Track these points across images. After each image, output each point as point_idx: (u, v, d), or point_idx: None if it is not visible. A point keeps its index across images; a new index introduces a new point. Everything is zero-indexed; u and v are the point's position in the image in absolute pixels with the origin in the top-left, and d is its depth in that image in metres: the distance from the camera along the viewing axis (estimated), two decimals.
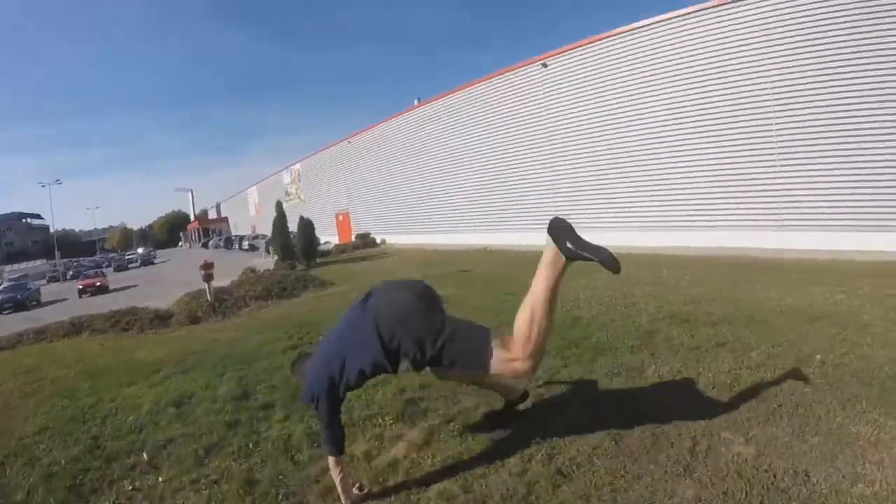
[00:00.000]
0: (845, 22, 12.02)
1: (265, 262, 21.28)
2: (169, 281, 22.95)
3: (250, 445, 3.82)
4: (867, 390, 3.83)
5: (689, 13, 14.62)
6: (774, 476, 2.80)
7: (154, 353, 7.53)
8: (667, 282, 8.71)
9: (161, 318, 10.68)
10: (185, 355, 6.99)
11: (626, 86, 16.24)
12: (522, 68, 19.88)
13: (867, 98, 11.79)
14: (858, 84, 11.90)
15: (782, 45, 12.84)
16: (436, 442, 3.52)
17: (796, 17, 12.68)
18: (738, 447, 3.15)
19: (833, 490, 2.63)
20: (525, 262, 13.55)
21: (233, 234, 59.89)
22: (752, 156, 13.57)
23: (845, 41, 12.02)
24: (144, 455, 3.87)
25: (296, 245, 20.90)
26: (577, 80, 17.77)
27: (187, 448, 3.90)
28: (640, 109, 15.93)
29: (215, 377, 5.63)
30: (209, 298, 11.26)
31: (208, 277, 11.46)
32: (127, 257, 62.73)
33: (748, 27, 13.46)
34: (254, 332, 8.24)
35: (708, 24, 14.24)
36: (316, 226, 22.54)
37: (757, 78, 13.35)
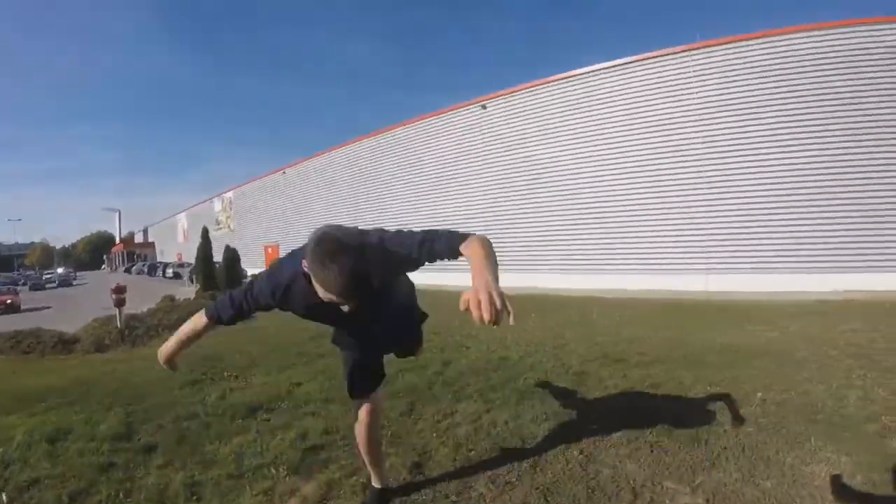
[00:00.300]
0: (763, 81, 13.07)
1: (187, 290, 19.84)
2: (84, 305, 20.84)
3: (121, 494, 3.08)
4: (813, 427, 3.58)
5: (621, 64, 15.41)
6: None
7: (45, 379, 6.45)
8: (597, 323, 8.49)
9: (65, 343, 9.59)
10: (76, 384, 6.02)
11: (561, 131, 16.63)
12: (462, 109, 20.04)
13: (786, 152, 12.68)
14: (778, 138, 12.80)
15: (714, 99, 13.69)
16: (334, 499, 2.91)
17: (720, 76, 13.60)
18: (684, 498, 2.74)
19: None
20: (450, 299, 13.42)
21: (158, 260, 57.16)
22: (681, 203, 14.08)
23: (768, 98, 12.98)
24: (4, 496, 3.09)
25: (219, 275, 19.68)
26: (514, 123, 18.05)
27: (52, 492, 3.11)
28: (574, 155, 16.28)
29: (101, 411, 4.76)
30: (119, 325, 10.27)
31: (120, 302, 10.43)
32: (45, 276, 57.91)
33: (677, 81, 14.26)
34: (156, 363, 7.18)
35: (640, 77, 15.02)
36: (244, 258, 21.27)
37: (688, 129, 14.07)
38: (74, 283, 53.15)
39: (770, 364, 5.24)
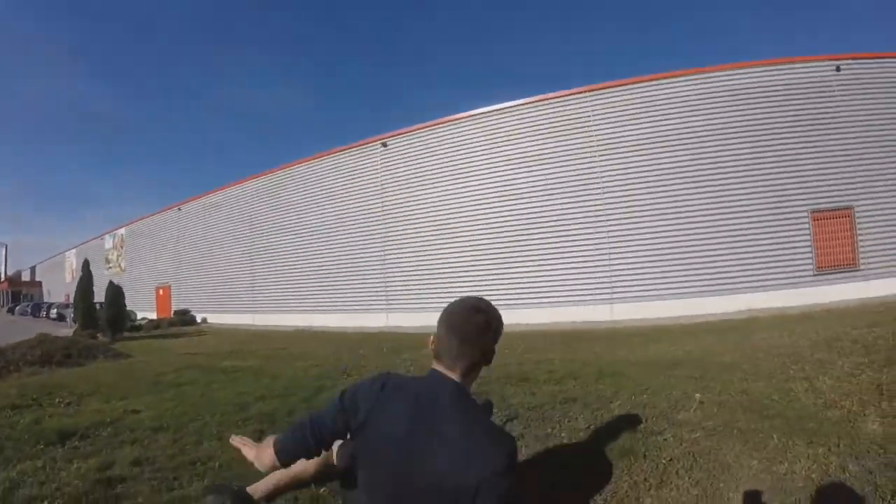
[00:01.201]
0: (660, 119, 13.84)
1: (69, 332, 17.28)
2: None
3: None
4: (771, 424, 2.94)
5: (523, 104, 15.70)
6: None
7: None
8: (499, 352, 7.69)
9: None
10: None
11: (460, 169, 16.47)
12: (364, 146, 19.43)
13: (686, 184, 13.38)
14: (678, 171, 13.56)
15: (613, 135, 14.29)
16: None
17: (619, 114, 14.29)
18: None
19: None
20: (342, 340, 12.71)
21: (45, 300, 51.57)
22: (584, 235, 14.18)
23: (666, 134, 13.74)
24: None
25: (101, 313, 17.41)
26: (414, 160, 17.68)
27: None
28: (475, 192, 16.10)
29: None
30: None
31: None
32: None
33: (579, 120, 14.73)
34: None
35: (541, 116, 15.32)
36: (135, 299, 19.06)
37: (589, 165, 14.38)
38: None
39: (694, 371, 4.69)
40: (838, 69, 13.53)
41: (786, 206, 13.05)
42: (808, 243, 12.95)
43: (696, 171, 13.49)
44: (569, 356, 6.61)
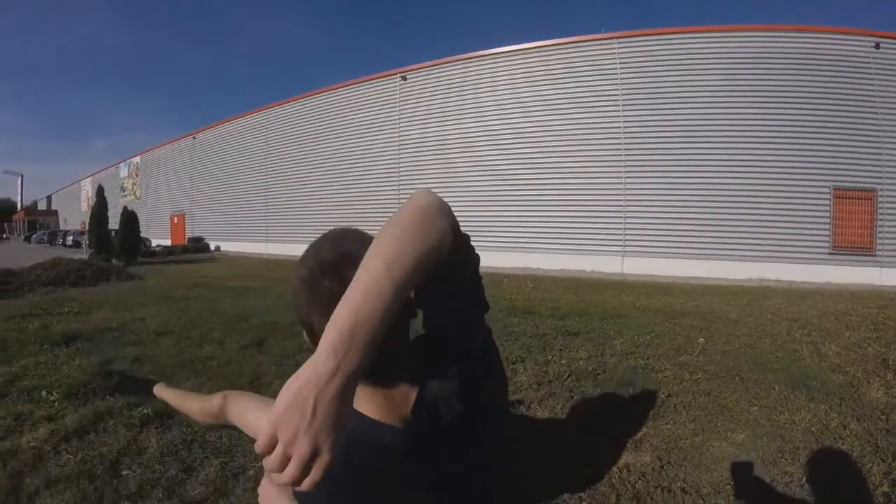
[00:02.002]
0: (690, 73, 13.17)
1: (84, 258, 17.58)
2: None
3: None
4: (774, 376, 2.85)
5: (549, 46, 14.98)
6: (703, 499, 1.50)
7: None
8: (506, 287, 7.70)
9: None
10: None
11: (483, 107, 15.97)
12: (382, 79, 18.91)
13: (709, 144, 12.84)
14: (702, 131, 12.96)
15: (641, 86, 13.62)
16: (99, 431, 2.13)
17: (648, 64, 13.61)
18: (624, 455, 1.82)
19: None
20: None
21: (61, 228, 52.37)
22: (601, 185, 13.82)
23: (696, 91, 13.10)
24: None
25: (115, 239, 17.56)
26: (434, 95, 17.19)
27: None
28: (495, 131, 15.67)
29: None
30: None
31: None
32: None
33: (606, 66, 14.04)
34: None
35: (567, 59, 14.61)
36: (149, 227, 19.18)
37: (612, 115, 13.82)
38: None
39: (700, 322, 4.58)
40: (877, 46, 12.78)
41: (809, 180, 12.60)
42: (827, 221, 12.58)
43: (721, 132, 12.97)
44: (575, 298, 6.54)
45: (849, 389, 2.78)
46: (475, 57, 16.39)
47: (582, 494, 1.58)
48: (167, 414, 2.19)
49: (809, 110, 12.68)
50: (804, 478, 1.68)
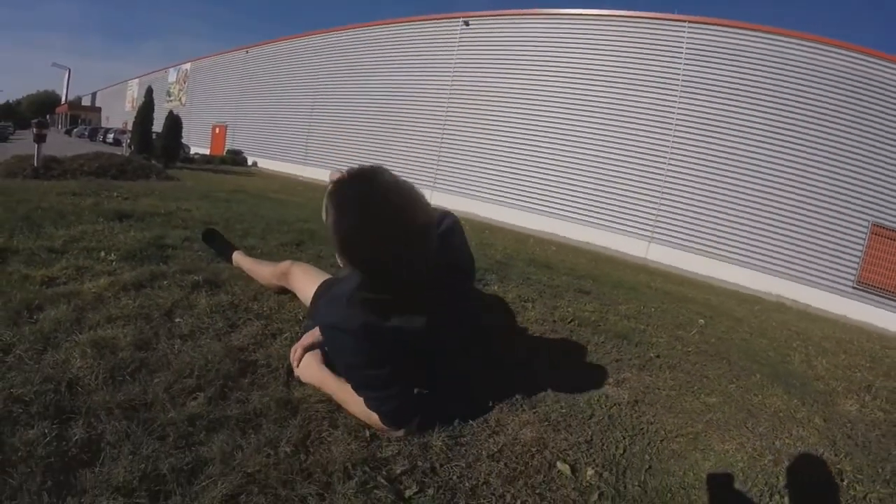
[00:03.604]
0: (753, 72, 12.76)
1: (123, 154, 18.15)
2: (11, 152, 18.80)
3: None
4: (759, 367, 3.00)
5: (615, 16, 14.63)
6: (665, 433, 1.68)
7: None
8: (531, 246, 7.84)
9: None
10: None
11: (541, 67, 15.78)
12: (443, 21, 18.66)
13: (758, 149, 12.62)
14: (754, 133, 12.71)
15: (701, 77, 13.28)
16: (154, 287, 2.27)
17: (711, 56, 13.18)
18: (604, 388, 2.02)
19: (752, 462, 1.57)
20: None
21: (103, 126, 53.18)
22: (640, 167, 13.70)
23: (758, 90, 12.71)
24: None
25: (157, 141, 18.01)
26: (494, 46, 16.95)
27: None
28: (550, 94, 15.59)
29: None
30: (35, 163, 9.33)
31: (39, 138, 9.53)
32: None
33: (668, 49, 13.66)
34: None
35: (631, 34, 14.30)
36: (190, 134, 19.62)
37: (667, 99, 13.54)
38: (11, 138, 48.72)
39: (706, 311, 4.70)
40: None
41: (849, 209, 12.32)
42: (859, 254, 12.37)
43: (770, 139, 12.67)
44: (593, 267, 6.69)
45: (825, 396, 2.91)
46: (542, 14, 16.10)
47: (562, 403, 1.78)
48: (215, 282, 2.44)
49: (869, 135, 12.30)
50: (758, 443, 1.85)
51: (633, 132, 13.94)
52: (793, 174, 12.56)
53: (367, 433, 1.42)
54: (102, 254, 2.74)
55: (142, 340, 1.74)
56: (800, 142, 12.54)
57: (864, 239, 12.34)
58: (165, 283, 2.35)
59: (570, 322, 2.86)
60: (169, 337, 1.82)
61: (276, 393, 1.49)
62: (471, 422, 1.56)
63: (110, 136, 36.95)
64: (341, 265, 1.34)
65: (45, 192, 5.06)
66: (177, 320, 1.98)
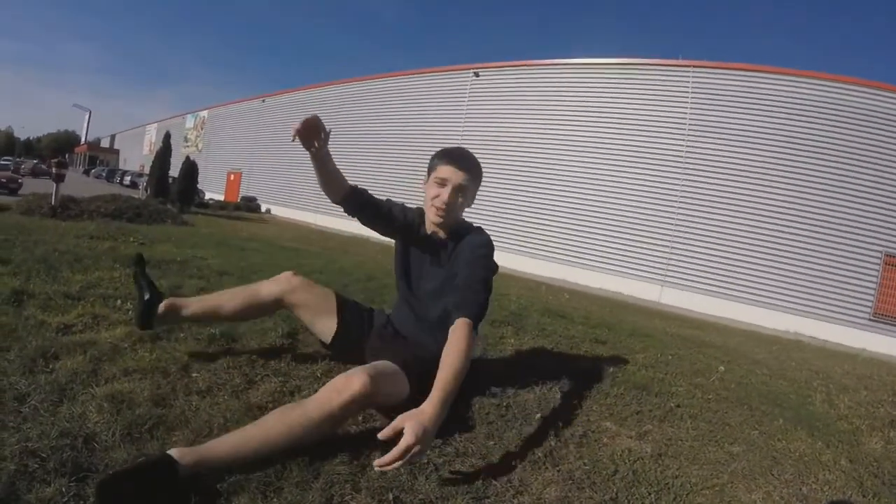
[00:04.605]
0: (763, 114, 12.93)
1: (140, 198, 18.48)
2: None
3: None
4: (781, 411, 2.95)
5: (623, 64, 14.93)
6: (691, 486, 1.67)
7: None
8: (545, 296, 7.82)
9: None
10: None
11: (550, 116, 16.13)
12: (453, 72, 19.26)
13: (770, 189, 12.58)
14: (765, 174, 12.73)
15: (708, 119, 13.50)
16: (166, 339, 2.10)
17: (719, 98, 13.44)
18: (626, 441, 2.02)
19: None
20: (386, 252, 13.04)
21: (120, 168, 54.40)
22: (652, 211, 13.74)
23: (766, 132, 12.83)
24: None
25: (173, 185, 18.37)
26: (505, 97, 17.40)
27: None
28: (560, 141, 15.85)
29: None
30: (53, 201, 9.30)
31: (58, 178, 9.65)
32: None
33: (675, 94, 13.96)
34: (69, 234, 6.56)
35: (638, 81, 14.58)
36: (206, 180, 19.90)
37: (675, 144, 13.74)
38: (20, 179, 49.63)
39: (724, 355, 4.64)
40: None
41: (859, 242, 12.22)
42: (874, 286, 12.20)
43: (778, 176, 12.72)
44: (608, 314, 6.66)
45: (849, 436, 2.86)
46: (549, 64, 16.52)
47: (584, 459, 1.77)
48: (231, 336, 2.41)
49: (872, 171, 12.31)
50: (785, 490, 1.82)
51: (643, 177, 14.07)
52: (801, 209, 12.56)
53: (391, 496, 1.41)
54: (119, 302, 2.73)
55: (159, 396, 1.72)
56: (807, 177, 12.59)
57: (878, 270, 12.20)
58: (182, 335, 2.33)
59: (588, 374, 2.85)
60: (186, 393, 1.80)
61: (296, 455, 1.46)
62: (493, 482, 1.56)
63: (127, 179, 37.43)
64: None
65: (62, 233, 5.16)
66: (194, 375, 1.97)
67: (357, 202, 2.06)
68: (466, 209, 2.05)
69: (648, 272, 13.63)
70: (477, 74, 18.43)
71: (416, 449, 1.28)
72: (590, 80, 15.56)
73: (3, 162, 41.85)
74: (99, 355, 1.97)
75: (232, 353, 2.23)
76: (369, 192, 2.13)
